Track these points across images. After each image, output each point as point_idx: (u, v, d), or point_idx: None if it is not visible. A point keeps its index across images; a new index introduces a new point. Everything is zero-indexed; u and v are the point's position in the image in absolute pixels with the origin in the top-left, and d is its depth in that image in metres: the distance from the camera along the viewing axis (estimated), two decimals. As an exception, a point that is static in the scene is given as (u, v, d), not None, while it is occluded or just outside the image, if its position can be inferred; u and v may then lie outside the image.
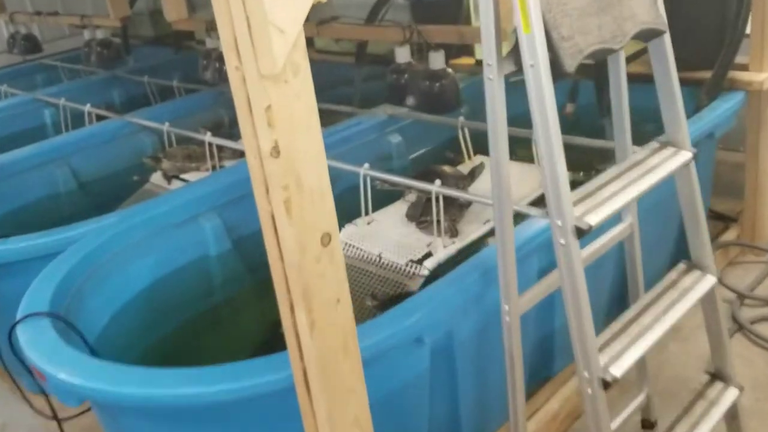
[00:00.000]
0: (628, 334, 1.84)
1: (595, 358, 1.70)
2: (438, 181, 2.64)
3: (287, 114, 1.36)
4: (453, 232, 2.75)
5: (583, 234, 1.66)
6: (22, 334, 2.11)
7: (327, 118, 4.66)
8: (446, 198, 2.80)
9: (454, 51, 4.25)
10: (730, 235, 3.74)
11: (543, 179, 1.66)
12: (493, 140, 1.75)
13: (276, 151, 1.36)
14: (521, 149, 3.69)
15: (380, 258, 2.76)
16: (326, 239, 1.50)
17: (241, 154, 3.83)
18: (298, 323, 1.52)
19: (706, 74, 3.33)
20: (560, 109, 1.67)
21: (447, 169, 2.97)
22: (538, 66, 1.58)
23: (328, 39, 4.96)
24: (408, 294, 2.51)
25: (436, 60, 2.79)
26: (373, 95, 4.82)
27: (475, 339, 2.23)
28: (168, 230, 2.85)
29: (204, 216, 2.96)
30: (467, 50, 4.21)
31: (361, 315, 2.54)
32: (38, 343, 2.04)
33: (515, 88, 1.85)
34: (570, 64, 1.63)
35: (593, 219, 1.68)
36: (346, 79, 5.06)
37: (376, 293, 2.57)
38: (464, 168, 3.33)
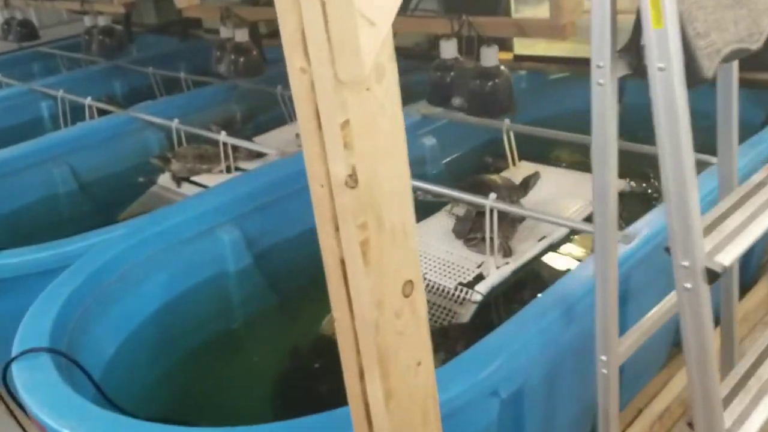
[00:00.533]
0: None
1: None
2: (493, 195, 2.31)
3: (369, 131, 1.03)
4: (506, 251, 2.43)
5: (716, 278, 1.34)
6: (19, 374, 1.79)
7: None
8: (498, 212, 2.48)
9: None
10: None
11: (667, 211, 1.34)
12: (599, 158, 1.42)
13: (353, 180, 1.04)
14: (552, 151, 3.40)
15: (425, 279, 2.44)
16: (408, 288, 1.17)
17: (257, 155, 3.51)
18: (370, 393, 1.18)
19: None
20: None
21: (497, 179, 2.64)
22: (670, 69, 1.26)
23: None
24: (463, 326, 2.20)
25: (489, 56, 2.46)
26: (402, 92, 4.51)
27: (546, 383, 1.91)
28: (182, 244, 2.52)
29: (222, 228, 2.63)
30: (503, 44, 3.87)
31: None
32: (38, 388, 1.72)
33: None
34: (708, 68, 1.30)
35: (726, 258, 1.36)
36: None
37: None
38: (511, 175, 3.00)
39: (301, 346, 2.52)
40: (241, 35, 3.54)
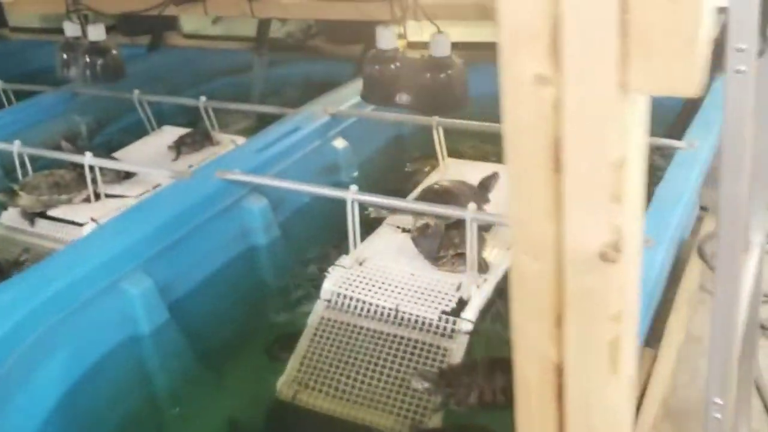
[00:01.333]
0: None
1: None
2: (473, 205, 1.98)
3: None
4: (482, 266, 2.11)
5: None
6: None
7: (242, 121, 3.82)
8: (463, 224, 2.15)
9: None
10: None
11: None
12: (731, 162, 1.14)
13: (615, 250, 0.65)
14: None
15: (397, 312, 2.05)
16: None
17: (125, 176, 2.90)
18: None
19: None
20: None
21: (453, 185, 2.30)
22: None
23: (204, 20, 4.06)
24: (465, 367, 1.85)
25: (441, 45, 2.11)
26: (278, 89, 4.04)
27: None
28: (80, 311, 1.93)
29: (129, 278, 2.05)
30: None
31: (407, 406, 1.84)
32: None
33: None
34: None
35: None
36: (230, 70, 4.21)
37: (424, 371, 1.87)
38: (445, 175, 2.69)
39: (243, 418, 2.03)
40: (97, 33, 2.87)
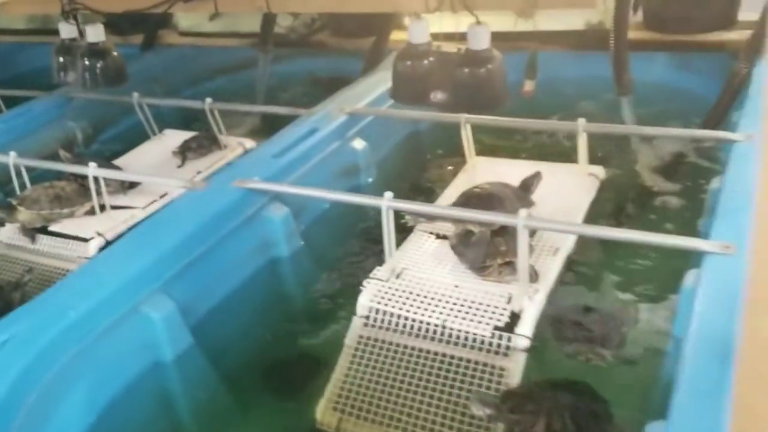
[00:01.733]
0: None
1: None
2: (524, 211, 1.81)
3: None
4: (533, 276, 1.95)
5: None
6: None
7: (248, 122, 3.62)
8: (507, 229, 2.00)
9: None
10: None
11: None
12: None
13: None
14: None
15: (444, 329, 1.89)
16: None
17: (129, 185, 2.71)
18: None
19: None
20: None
21: (495, 187, 2.14)
22: None
23: (200, 16, 3.86)
24: (530, 392, 1.69)
25: (480, 37, 1.94)
26: (284, 87, 3.86)
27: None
28: (99, 339, 1.75)
29: (149, 302, 1.87)
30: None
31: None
32: None
33: None
34: None
35: None
36: (230, 68, 4.02)
37: (484, 395, 1.70)
38: (474, 176, 2.53)
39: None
40: (96, 33, 2.67)
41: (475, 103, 2.00)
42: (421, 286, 2.01)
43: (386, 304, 1.97)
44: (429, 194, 2.66)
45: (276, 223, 2.28)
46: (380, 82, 3.01)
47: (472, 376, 1.80)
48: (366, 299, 2.00)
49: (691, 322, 1.47)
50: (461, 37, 2.03)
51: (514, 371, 1.79)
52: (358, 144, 2.75)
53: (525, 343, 1.82)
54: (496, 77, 1.98)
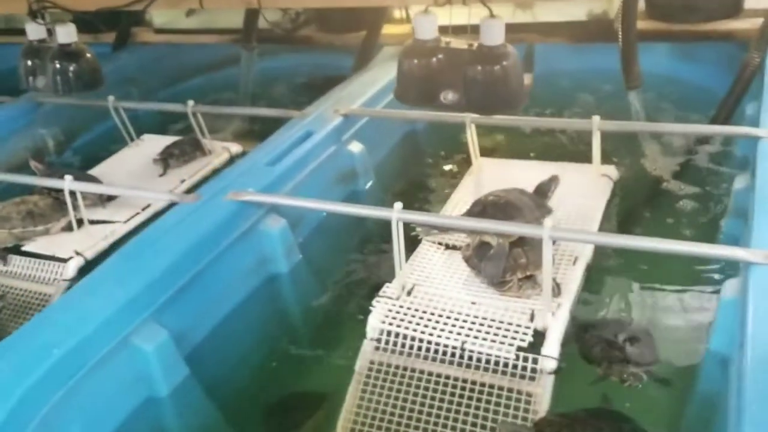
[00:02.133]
0: None
1: None
2: (549, 222, 1.67)
3: None
4: (555, 290, 1.82)
5: None
6: None
7: (231, 124, 3.43)
8: (526, 240, 1.86)
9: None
10: None
11: None
12: None
13: None
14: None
15: (464, 351, 1.74)
16: None
17: (108, 198, 2.52)
18: None
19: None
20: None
21: (509, 195, 1.98)
22: None
23: (176, 13, 3.66)
24: (567, 417, 1.55)
25: (494, 31, 1.79)
26: (268, 86, 3.67)
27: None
28: (88, 376, 1.57)
29: (141, 332, 1.70)
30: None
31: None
32: None
33: None
34: None
35: None
36: (209, 66, 3.83)
37: (515, 426, 1.56)
38: (480, 177, 2.39)
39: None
40: (67, 33, 2.47)
41: (490, 104, 1.85)
42: (435, 304, 1.86)
43: (399, 325, 1.82)
44: (434, 200, 2.52)
45: (274, 238, 2.11)
46: (374, 80, 2.85)
47: (497, 404, 1.66)
48: (377, 320, 1.84)
49: (744, 340, 1.33)
50: (471, 30, 1.88)
51: (542, 397, 1.65)
52: (355, 147, 2.59)
53: (552, 364, 1.68)
54: (512, 75, 1.83)
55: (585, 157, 2.51)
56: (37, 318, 1.66)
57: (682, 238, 2.23)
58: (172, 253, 1.82)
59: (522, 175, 2.36)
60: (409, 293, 1.91)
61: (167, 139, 3.04)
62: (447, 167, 2.76)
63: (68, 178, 2.29)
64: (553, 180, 2.08)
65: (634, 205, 2.43)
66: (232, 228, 2.00)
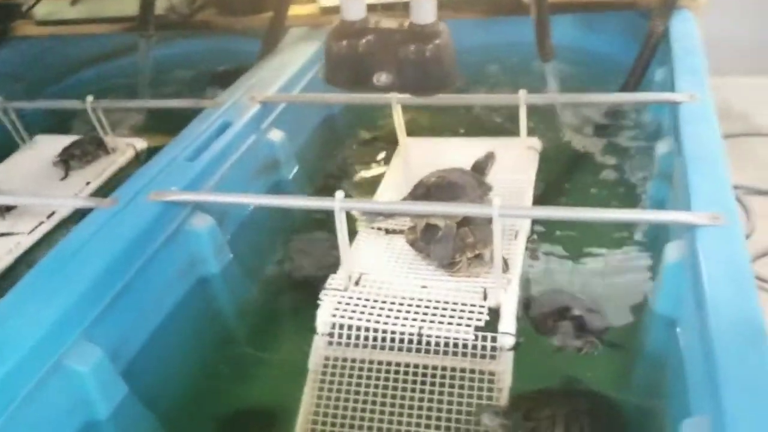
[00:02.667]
0: None
1: None
2: (497, 200, 1.65)
3: None
4: (505, 267, 1.81)
5: None
6: None
7: (130, 118, 3.20)
8: (471, 219, 1.85)
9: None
10: None
11: None
12: None
13: None
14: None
15: (421, 337, 1.71)
16: None
17: (7, 207, 2.30)
18: None
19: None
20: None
21: (450, 174, 1.95)
22: None
23: (59, 3, 3.39)
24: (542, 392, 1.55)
25: (425, 8, 1.74)
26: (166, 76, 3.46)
27: None
28: (19, 408, 1.41)
29: (74, 353, 1.55)
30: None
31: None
32: None
33: None
34: None
35: None
36: (100, 58, 3.58)
37: (492, 406, 1.54)
38: (409, 159, 2.35)
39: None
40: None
41: (425, 84, 1.79)
42: (385, 292, 1.81)
43: (351, 317, 1.76)
44: (363, 184, 2.45)
45: (202, 237, 1.99)
46: (287, 64, 2.74)
47: (461, 386, 1.64)
48: (327, 314, 1.78)
49: (703, 303, 1.36)
50: (402, 8, 1.82)
51: (504, 374, 1.65)
52: (276, 135, 2.48)
53: (511, 341, 1.68)
54: (446, 54, 1.79)
55: (505, 131, 2.53)
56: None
57: (609, 205, 2.31)
58: (99, 264, 1.67)
59: (450, 153, 2.35)
60: (356, 283, 1.85)
61: (63, 139, 2.81)
62: (370, 150, 2.70)
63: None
64: (490, 157, 2.07)
65: (558, 175, 2.47)
66: (158, 231, 1.86)
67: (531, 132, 2.35)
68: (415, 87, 1.84)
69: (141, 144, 2.79)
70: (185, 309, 1.95)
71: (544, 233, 2.13)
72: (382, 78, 1.82)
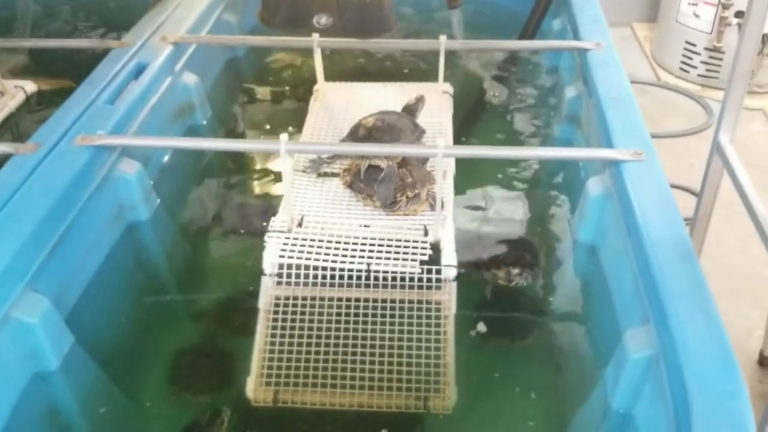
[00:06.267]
0: None
1: None
2: (442, 141, 1.74)
3: None
4: (442, 204, 1.91)
5: None
6: None
7: (8, 60, 2.92)
8: (407, 160, 1.93)
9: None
10: None
11: None
12: None
13: None
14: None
15: (369, 273, 1.78)
16: None
17: None
18: None
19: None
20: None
21: (388, 117, 2.00)
22: None
23: None
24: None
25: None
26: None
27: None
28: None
29: (20, 305, 1.48)
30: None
31: (415, 378, 1.62)
32: None
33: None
34: None
35: None
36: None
37: None
38: (319, 102, 2.37)
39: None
40: None
41: (364, 27, 1.83)
42: (329, 231, 1.86)
43: (299, 257, 1.79)
44: (281, 128, 2.43)
45: (131, 183, 1.92)
46: (194, 2, 2.64)
47: (410, 316, 1.74)
48: (273, 255, 1.80)
49: (637, 230, 1.53)
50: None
51: (450, 302, 1.76)
52: (189, 78, 2.40)
53: (454, 272, 1.79)
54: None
55: (417, 76, 2.61)
56: None
57: (517, 144, 2.47)
58: (38, 212, 1.58)
59: (366, 97, 2.40)
60: (300, 225, 1.88)
61: (-62, 82, 2.56)
62: (280, 94, 2.69)
63: None
64: (420, 100, 2.14)
65: (469, 118, 2.59)
66: (89, 176, 1.79)
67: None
68: (356, 29, 1.87)
69: (31, 87, 2.60)
70: (119, 256, 1.89)
71: (463, 172, 2.25)
72: (322, 20, 1.84)
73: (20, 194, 1.63)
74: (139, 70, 2.19)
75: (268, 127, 2.59)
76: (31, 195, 1.63)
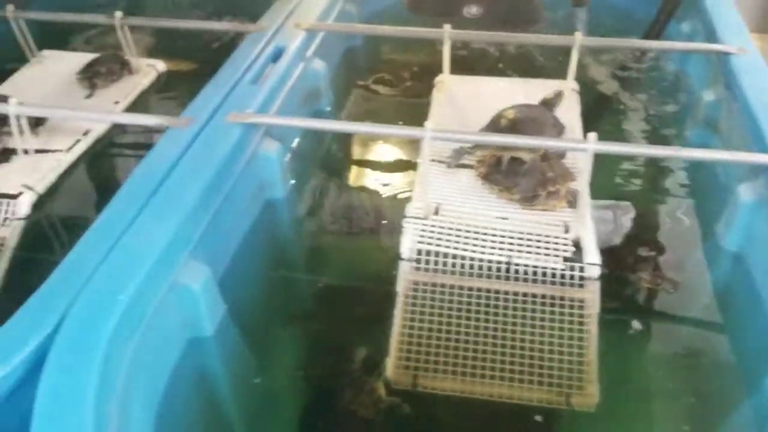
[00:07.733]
0: None
1: None
2: (592, 135, 1.72)
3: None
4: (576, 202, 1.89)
5: None
6: None
7: (143, 40, 3.03)
8: (547, 154, 1.91)
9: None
10: None
11: None
12: None
13: None
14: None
15: (510, 266, 1.77)
16: None
17: (36, 122, 2.18)
18: None
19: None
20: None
21: (530, 111, 2.00)
22: None
23: None
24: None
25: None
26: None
27: None
28: (149, 325, 1.39)
29: (185, 272, 1.53)
30: None
31: (557, 373, 1.60)
32: None
33: None
34: None
35: None
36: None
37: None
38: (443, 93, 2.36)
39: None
40: None
41: (513, 19, 1.83)
42: (466, 221, 1.86)
43: (438, 244, 1.80)
44: (400, 118, 2.44)
45: (273, 161, 1.97)
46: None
47: (551, 312, 1.73)
48: (411, 240, 1.81)
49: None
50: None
51: (593, 301, 1.74)
52: (318, 65, 2.44)
53: (597, 271, 1.77)
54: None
55: (539, 72, 2.58)
56: (68, 263, 1.42)
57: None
58: (199, 184, 1.63)
59: (489, 91, 2.38)
60: (436, 213, 1.88)
61: (72, 56, 2.68)
62: (397, 85, 2.70)
63: (13, 100, 1.94)
64: (558, 95, 2.12)
65: (596, 117, 2.55)
66: (241, 152, 1.84)
67: (563, 74, 2.41)
68: (505, 21, 1.86)
69: (162, 66, 2.68)
70: (258, 232, 1.94)
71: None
72: (473, 10, 1.84)
73: (182, 165, 1.68)
74: (276, 54, 2.23)
75: (386, 115, 2.60)
76: (193, 166, 1.68)
